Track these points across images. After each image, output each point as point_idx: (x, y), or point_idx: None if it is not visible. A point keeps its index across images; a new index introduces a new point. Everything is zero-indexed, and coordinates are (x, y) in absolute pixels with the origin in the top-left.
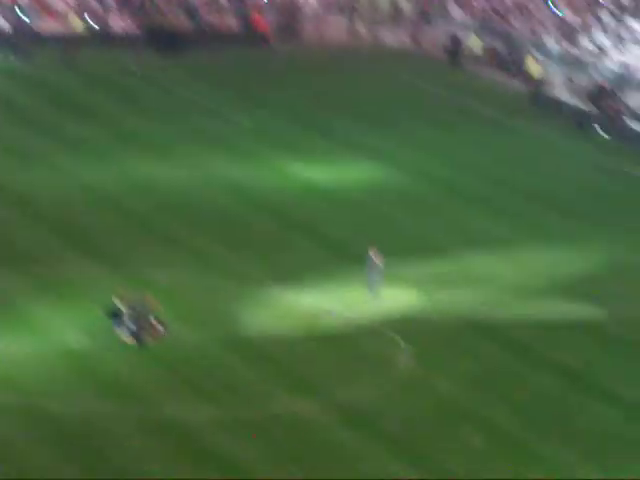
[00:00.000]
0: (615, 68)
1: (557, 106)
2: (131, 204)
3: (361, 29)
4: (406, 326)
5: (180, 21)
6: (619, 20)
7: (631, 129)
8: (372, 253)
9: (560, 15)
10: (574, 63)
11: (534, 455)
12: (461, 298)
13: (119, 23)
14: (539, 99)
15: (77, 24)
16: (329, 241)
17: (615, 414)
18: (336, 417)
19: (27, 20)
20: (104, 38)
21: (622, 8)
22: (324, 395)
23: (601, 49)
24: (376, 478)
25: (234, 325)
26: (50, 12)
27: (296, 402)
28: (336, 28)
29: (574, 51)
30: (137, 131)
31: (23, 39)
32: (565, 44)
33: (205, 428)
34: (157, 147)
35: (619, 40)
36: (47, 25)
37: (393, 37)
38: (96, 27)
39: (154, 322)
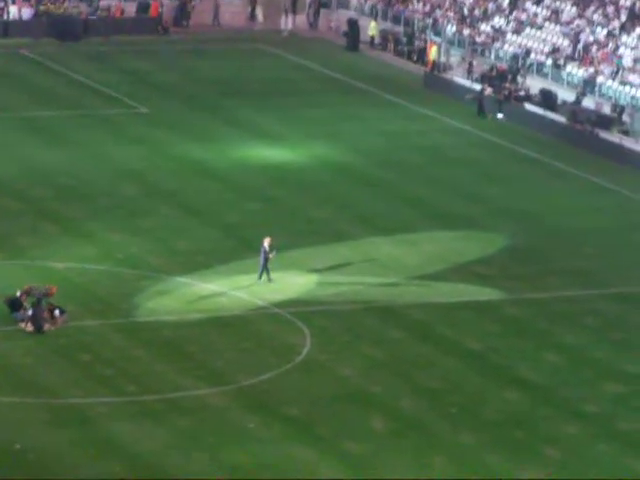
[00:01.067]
0: (512, 51)
1: (456, 90)
2: (29, 190)
3: (260, 15)
4: (307, 310)
5: (77, 7)
6: (516, 3)
7: (528, 111)
8: (265, 241)
9: None
10: (472, 47)
11: (436, 439)
12: (362, 282)
13: (15, 10)
14: (437, 82)
15: None
16: (229, 228)
17: (518, 397)
18: (239, 401)
19: None
20: (3, 25)
21: None
22: (227, 380)
23: (499, 32)
24: (279, 460)
25: (135, 312)
26: None
27: (199, 388)
28: (235, 14)
29: (472, 34)
30: (32, 117)
31: None
32: (463, 27)
33: (108, 416)
34: (49, 131)
35: (517, 23)
36: None
37: (291, 22)
38: None
39: (53, 309)
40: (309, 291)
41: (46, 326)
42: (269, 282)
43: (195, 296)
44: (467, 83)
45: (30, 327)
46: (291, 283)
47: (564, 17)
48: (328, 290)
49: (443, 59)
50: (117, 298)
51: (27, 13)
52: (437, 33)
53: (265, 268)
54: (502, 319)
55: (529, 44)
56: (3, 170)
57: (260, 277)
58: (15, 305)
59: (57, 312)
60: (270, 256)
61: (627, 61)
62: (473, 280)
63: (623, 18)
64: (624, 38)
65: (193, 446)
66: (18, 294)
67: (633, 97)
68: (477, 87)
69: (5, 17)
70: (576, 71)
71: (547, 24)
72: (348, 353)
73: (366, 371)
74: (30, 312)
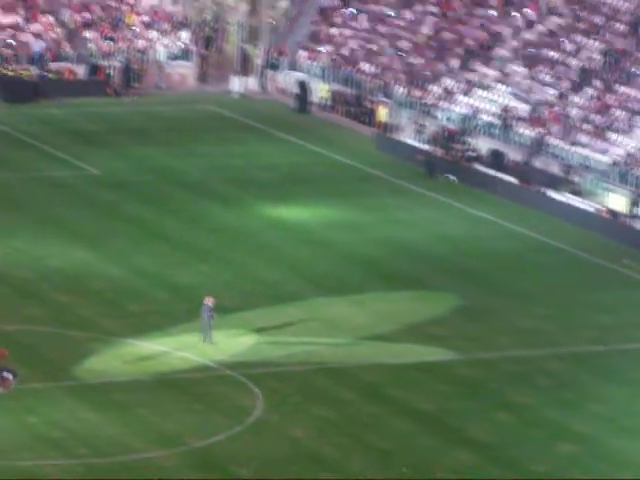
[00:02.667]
0: (462, 112)
1: (406, 151)
2: None
3: (210, 76)
4: (258, 372)
5: (25, 69)
6: (466, 65)
7: (478, 172)
8: (207, 300)
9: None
10: (422, 107)
11: None
12: (312, 342)
13: None
14: (388, 144)
15: None
16: (179, 289)
17: (469, 458)
18: (189, 463)
19: None
20: None
21: (469, 53)
22: (177, 442)
23: (448, 93)
24: None
25: (85, 374)
26: None
27: (150, 450)
28: (184, 76)
29: (422, 95)
30: None
31: None
32: (412, 89)
33: (59, 478)
34: (4, 196)
35: (466, 84)
36: None
37: (242, 84)
38: None
39: (4, 373)
40: (260, 352)
41: None
42: (212, 344)
43: (146, 358)
44: (417, 144)
45: None
46: (242, 344)
47: (514, 78)
48: (279, 351)
49: (393, 120)
50: (67, 360)
51: None
52: (387, 94)
53: (208, 327)
54: (453, 379)
55: (479, 105)
56: None
57: (204, 336)
58: None
59: (7, 375)
60: (212, 315)
61: (576, 121)
62: (424, 340)
63: (573, 78)
64: (574, 98)
65: None
66: None
67: (583, 157)
68: (427, 148)
69: None
70: (525, 131)
71: (497, 85)
72: (299, 414)
73: (317, 432)
74: None
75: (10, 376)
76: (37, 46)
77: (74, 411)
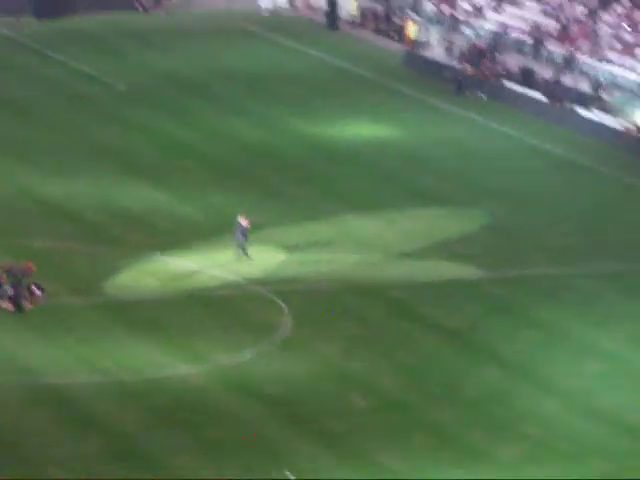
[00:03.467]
0: (491, 28)
1: (435, 68)
2: (15, 169)
3: None
4: (286, 288)
5: None
6: None
7: (507, 88)
8: (240, 218)
9: None
10: (451, 24)
11: (417, 416)
12: (341, 260)
13: None
14: (416, 61)
15: None
16: (209, 207)
17: (497, 375)
18: (219, 380)
19: None
20: None
21: None
22: (206, 359)
23: (478, 10)
24: (259, 440)
25: (114, 290)
26: None
27: (179, 367)
28: None
29: (451, 12)
30: (13, 97)
31: None
32: (442, 6)
33: (88, 395)
34: (29, 111)
35: (496, 0)
36: None
37: (271, 1)
38: None
39: (33, 288)
40: (289, 269)
41: (26, 305)
42: (242, 259)
43: (174, 274)
44: (447, 61)
45: (10, 306)
46: (271, 261)
47: None
48: (307, 268)
49: (422, 37)
50: (96, 276)
51: None
52: (416, 11)
53: (243, 244)
54: (482, 297)
55: (509, 22)
56: None
57: (239, 253)
58: None
59: (37, 290)
60: (244, 232)
61: (606, 38)
62: (453, 258)
63: None
64: (604, 15)
65: (172, 424)
66: None
67: (612, 74)
68: (457, 65)
69: None
70: (555, 49)
71: (527, 2)
72: (328, 331)
73: (346, 349)
74: (10, 291)
75: (38, 291)
76: None
77: (103, 327)
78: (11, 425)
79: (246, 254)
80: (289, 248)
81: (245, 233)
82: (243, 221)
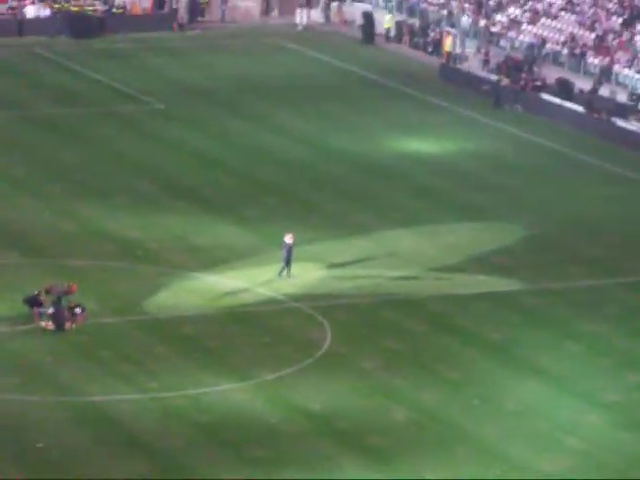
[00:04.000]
0: (528, 41)
1: (472, 81)
2: (47, 187)
3: (274, 9)
4: (326, 304)
5: (90, 5)
6: None
7: (544, 101)
8: (287, 237)
9: None
10: (488, 37)
11: (459, 430)
12: (380, 275)
13: (30, 8)
14: (453, 74)
15: None
16: (247, 223)
17: (539, 388)
18: (260, 397)
19: None
20: (18, 24)
21: None
22: (248, 375)
23: (515, 22)
24: (301, 455)
25: (154, 309)
26: None
27: (220, 384)
28: (248, 9)
29: (488, 25)
30: (49, 114)
31: None
32: (479, 18)
33: (131, 414)
34: (66, 129)
35: (532, 13)
36: None
37: (306, 17)
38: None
39: (74, 307)
40: (328, 285)
41: (67, 324)
42: (289, 277)
43: (215, 292)
44: (483, 74)
45: (51, 325)
46: (310, 277)
47: (580, 6)
48: (347, 283)
49: (458, 50)
50: (137, 295)
51: (43, 11)
52: (452, 24)
53: (288, 262)
54: (521, 309)
55: (545, 34)
56: (22, 168)
57: (287, 272)
58: (34, 303)
59: (78, 310)
60: (291, 250)
61: None
62: (492, 271)
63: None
64: (639, 26)
65: (216, 442)
66: (36, 292)
67: None
68: (493, 78)
69: (19, 16)
70: (592, 60)
71: (563, 13)
72: (369, 346)
73: (387, 363)
74: (51, 310)
75: (80, 311)
76: None
77: (144, 345)
78: (55, 444)
79: (288, 272)
80: (327, 263)
81: (289, 250)
82: (288, 238)
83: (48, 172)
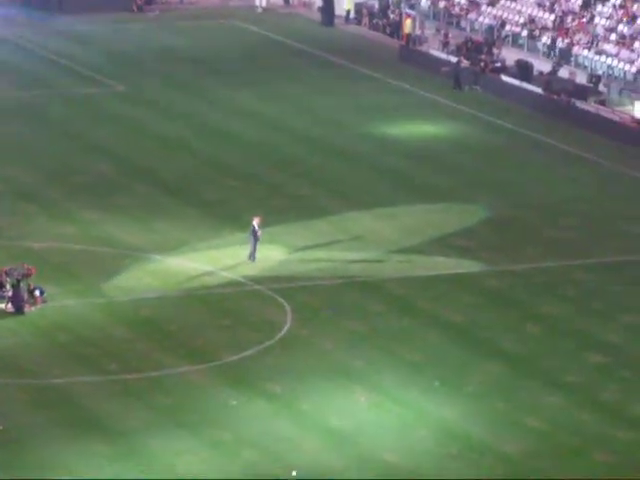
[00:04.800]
0: (487, 22)
1: (431, 62)
2: (6, 170)
3: None
4: (287, 286)
5: None
6: None
7: (504, 82)
8: (255, 220)
9: None
10: (447, 19)
11: (419, 412)
12: (341, 257)
13: None
14: (412, 56)
15: None
16: (207, 205)
17: (499, 369)
18: (220, 379)
19: None
20: None
21: None
22: (208, 357)
23: (474, 4)
24: (261, 437)
25: (114, 291)
26: None
27: (180, 366)
28: None
29: (447, 7)
30: (8, 97)
31: None
32: (438, 0)
33: (90, 395)
34: (27, 111)
35: None
36: None
37: None
38: None
39: (33, 290)
40: (289, 267)
41: (26, 307)
42: (252, 262)
43: (174, 274)
44: (443, 56)
45: (10, 308)
46: (270, 259)
47: None
48: (308, 266)
49: (418, 32)
50: (96, 277)
51: None
52: (412, 6)
53: (255, 246)
54: (482, 291)
55: (504, 15)
56: None
57: (253, 257)
58: None
59: (37, 292)
60: (258, 235)
61: (602, 30)
62: (452, 253)
63: None
64: (599, 7)
65: (175, 424)
66: None
67: (609, 67)
68: (453, 60)
69: None
70: (551, 42)
71: None
72: (329, 328)
73: (347, 345)
74: (10, 293)
75: (39, 293)
76: None
77: (104, 328)
78: (15, 426)
79: (253, 256)
80: (288, 246)
81: (254, 233)
82: (256, 221)
83: (8, 154)
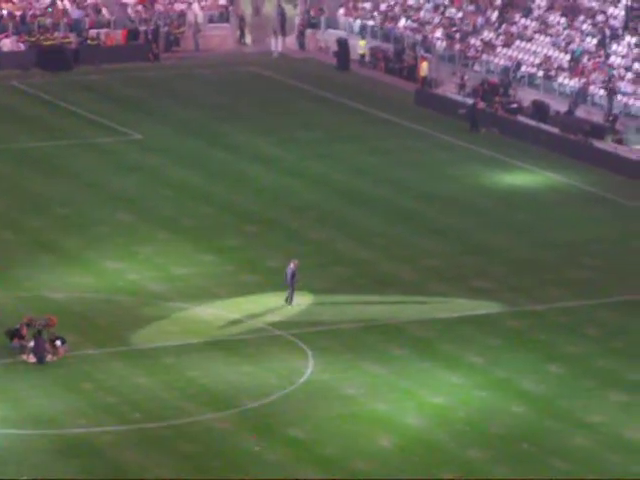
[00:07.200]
0: (503, 64)
1: (447, 104)
2: (25, 220)
3: (248, 38)
4: (307, 330)
5: (66, 37)
6: (505, 16)
7: (520, 123)
8: (292, 263)
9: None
10: (462, 61)
11: (444, 454)
12: (361, 301)
13: (6, 42)
14: (429, 98)
15: None
16: (227, 251)
17: (523, 410)
18: (243, 425)
19: None
20: None
21: (509, 4)
22: (230, 404)
23: (488, 45)
24: None
25: (135, 339)
26: None
27: (203, 413)
28: (223, 38)
29: (463, 49)
30: (26, 148)
31: None
32: (453, 42)
33: (114, 444)
34: (44, 162)
35: (506, 36)
36: None
37: (281, 44)
38: None
39: (54, 340)
40: (309, 312)
41: (48, 357)
42: (290, 305)
43: (195, 321)
44: (459, 98)
45: (32, 359)
46: (295, 305)
47: (554, 28)
48: (328, 310)
49: (434, 75)
50: (117, 326)
51: (17, 46)
52: (427, 49)
53: (292, 291)
54: (503, 332)
55: (519, 56)
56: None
57: (291, 300)
58: (15, 336)
59: (58, 342)
60: (296, 279)
61: (618, 70)
62: (472, 294)
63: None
64: (614, 47)
65: (200, 471)
66: (18, 326)
67: (625, 105)
68: (469, 101)
69: None
70: (567, 81)
71: (537, 36)
72: (351, 372)
73: (370, 389)
74: (31, 343)
75: (60, 343)
76: (76, 13)
77: (126, 376)
78: (41, 477)
79: (291, 300)
80: (308, 291)
81: (292, 277)
82: (293, 265)
83: (26, 205)
